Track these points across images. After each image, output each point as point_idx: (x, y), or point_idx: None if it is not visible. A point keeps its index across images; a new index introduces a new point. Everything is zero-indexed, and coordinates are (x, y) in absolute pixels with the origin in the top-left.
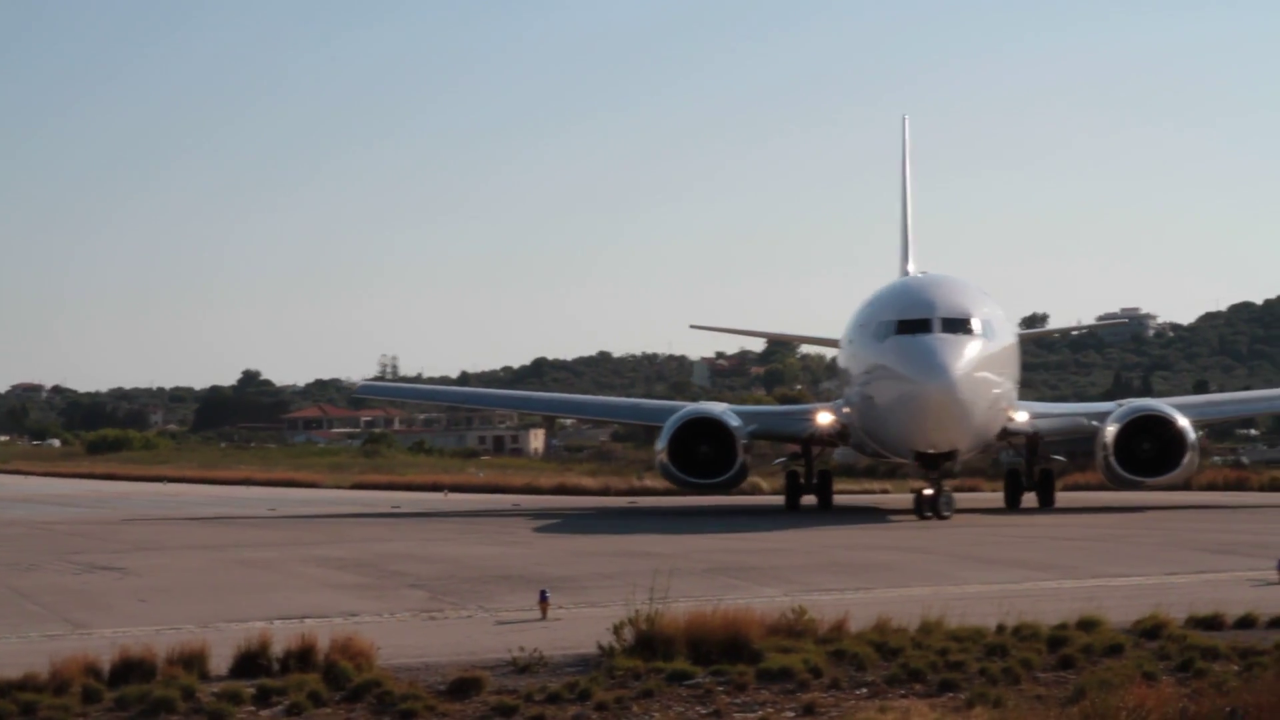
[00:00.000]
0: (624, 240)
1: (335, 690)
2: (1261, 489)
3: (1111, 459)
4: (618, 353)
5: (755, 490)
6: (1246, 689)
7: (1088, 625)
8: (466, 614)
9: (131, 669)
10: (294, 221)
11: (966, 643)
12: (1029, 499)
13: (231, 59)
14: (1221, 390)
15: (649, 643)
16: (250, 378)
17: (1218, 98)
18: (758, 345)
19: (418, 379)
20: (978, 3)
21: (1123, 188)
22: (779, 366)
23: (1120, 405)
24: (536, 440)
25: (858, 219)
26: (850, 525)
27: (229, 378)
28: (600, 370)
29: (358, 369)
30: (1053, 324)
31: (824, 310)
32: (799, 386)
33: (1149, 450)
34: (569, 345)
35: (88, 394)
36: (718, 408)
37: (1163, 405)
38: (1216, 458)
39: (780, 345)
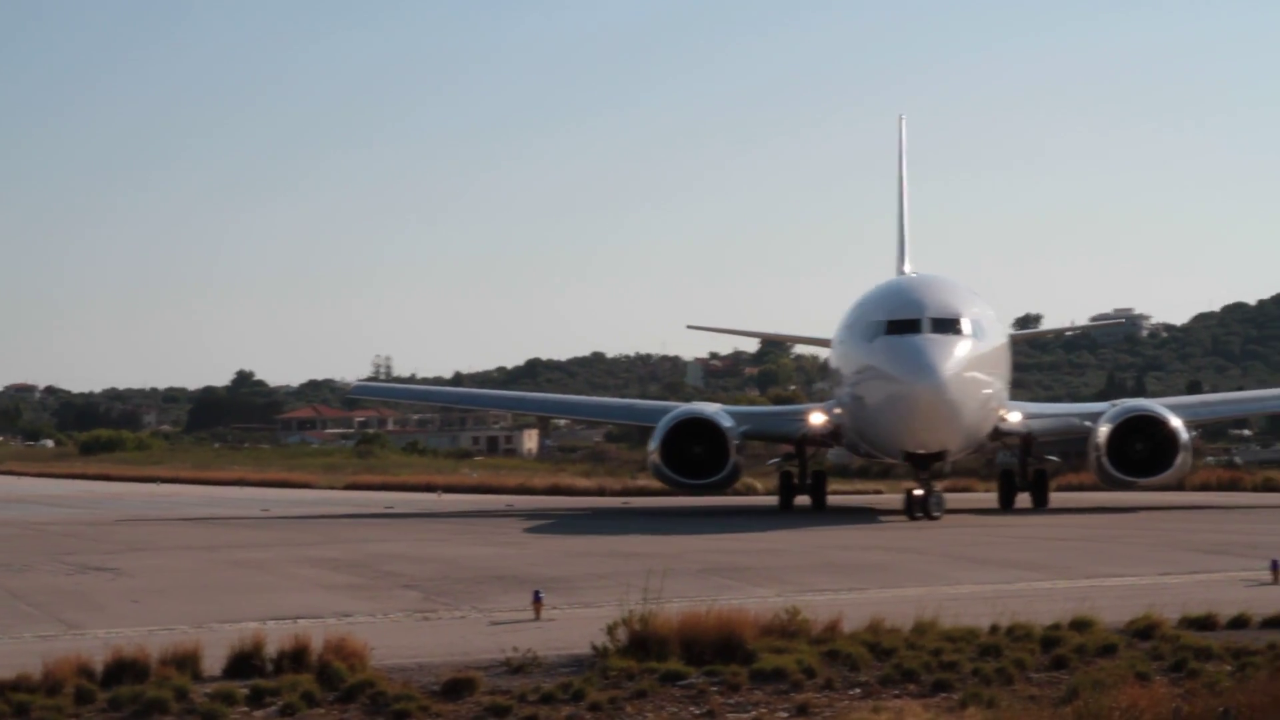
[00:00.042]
0: (618, 240)
1: (329, 691)
2: (1255, 489)
3: (1104, 459)
4: (611, 353)
5: (749, 491)
6: (1239, 689)
7: (1081, 625)
8: (460, 614)
9: (125, 669)
10: (287, 222)
11: (960, 643)
12: (1023, 499)
13: (222, 60)
14: (1215, 391)
15: (642, 643)
16: (244, 378)
17: (1211, 98)
18: (751, 346)
19: (411, 379)
20: (970, 3)
21: (1116, 188)
22: (772, 367)
23: (1113, 405)
24: (530, 441)
25: (852, 219)
26: (844, 526)
27: (222, 378)
28: (594, 371)
29: (351, 369)
30: (1047, 324)
31: (818, 310)
32: (793, 387)
33: (1142, 450)
34: (563, 346)
35: (81, 394)
36: (710, 408)
37: (1155, 405)
38: (1210, 458)
39: (774, 346)
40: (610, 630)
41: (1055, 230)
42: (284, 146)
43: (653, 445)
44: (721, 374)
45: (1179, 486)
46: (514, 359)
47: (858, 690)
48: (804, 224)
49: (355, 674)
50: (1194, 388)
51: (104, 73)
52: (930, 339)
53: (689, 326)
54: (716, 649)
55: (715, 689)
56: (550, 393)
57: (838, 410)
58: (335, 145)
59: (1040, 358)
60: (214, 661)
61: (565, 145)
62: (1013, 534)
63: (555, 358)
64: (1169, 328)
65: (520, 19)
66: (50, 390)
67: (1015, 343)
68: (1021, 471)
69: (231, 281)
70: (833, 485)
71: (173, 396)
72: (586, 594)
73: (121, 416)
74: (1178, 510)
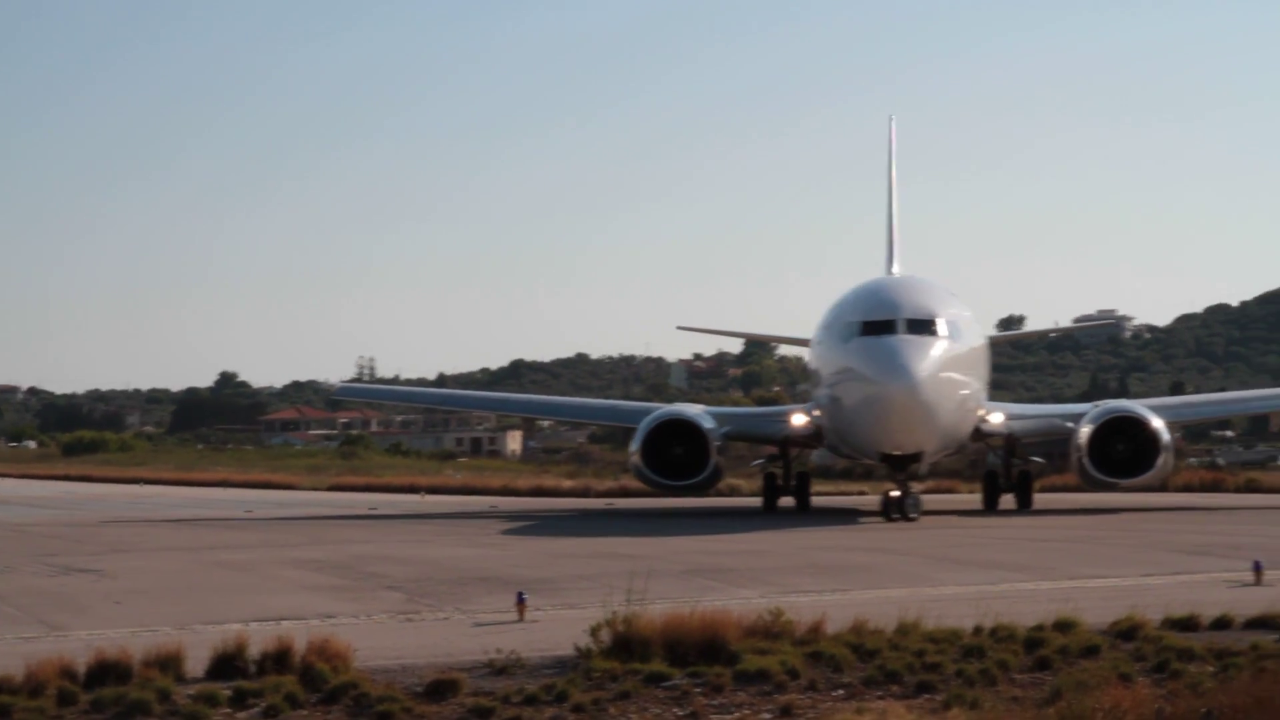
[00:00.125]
0: (602, 242)
1: (312, 692)
2: (1237, 490)
3: (1085, 460)
4: (595, 354)
5: (733, 492)
6: (1222, 690)
7: (1064, 626)
8: (444, 616)
9: (107, 671)
10: (271, 224)
11: (943, 644)
12: (1007, 500)
13: (206, 64)
14: (1198, 392)
15: (626, 644)
16: (227, 379)
17: (1195, 100)
18: (735, 347)
19: (395, 380)
20: (955, 4)
21: (1099, 190)
22: (756, 368)
23: (1095, 406)
24: (514, 442)
25: (837, 220)
26: (827, 527)
27: (206, 379)
28: (578, 372)
29: (335, 370)
30: (1030, 325)
31: (805, 312)
32: (776, 388)
33: (1123, 451)
34: (547, 347)
35: (64, 395)
36: (692, 409)
37: (1137, 406)
38: (1192, 459)
39: (758, 347)
40: (594, 631)
41: (1038, 232)
42: (267, 149)
43: (634, 446)
44: (705, 375)
45: (1161, 487)
46: (498, 360)
47: (841, 691)
48: (789, 225)
49: (338, 675)
50: (1177, 389)
51: (88, 76)
52: (905, 340)
53: (679, 328)
54: (700, 650)
55: (699, 690)
56: (534, 394)
57: (816, 412)
58: (318, 148)
59: (1023, 359)
60: (197, 663)
61: (549, 147)
62: (996, 535)
63: (539, 359)
64: (1152, 329)
65: (506, 21)
66: (33, 391)
67: (997, 344)
68: (1005, 473)
69: (215, 283)
70: (817, 486)
71: (156, 398)
72: (570, 595)
73: (104, 418)
74: (1161, 511)
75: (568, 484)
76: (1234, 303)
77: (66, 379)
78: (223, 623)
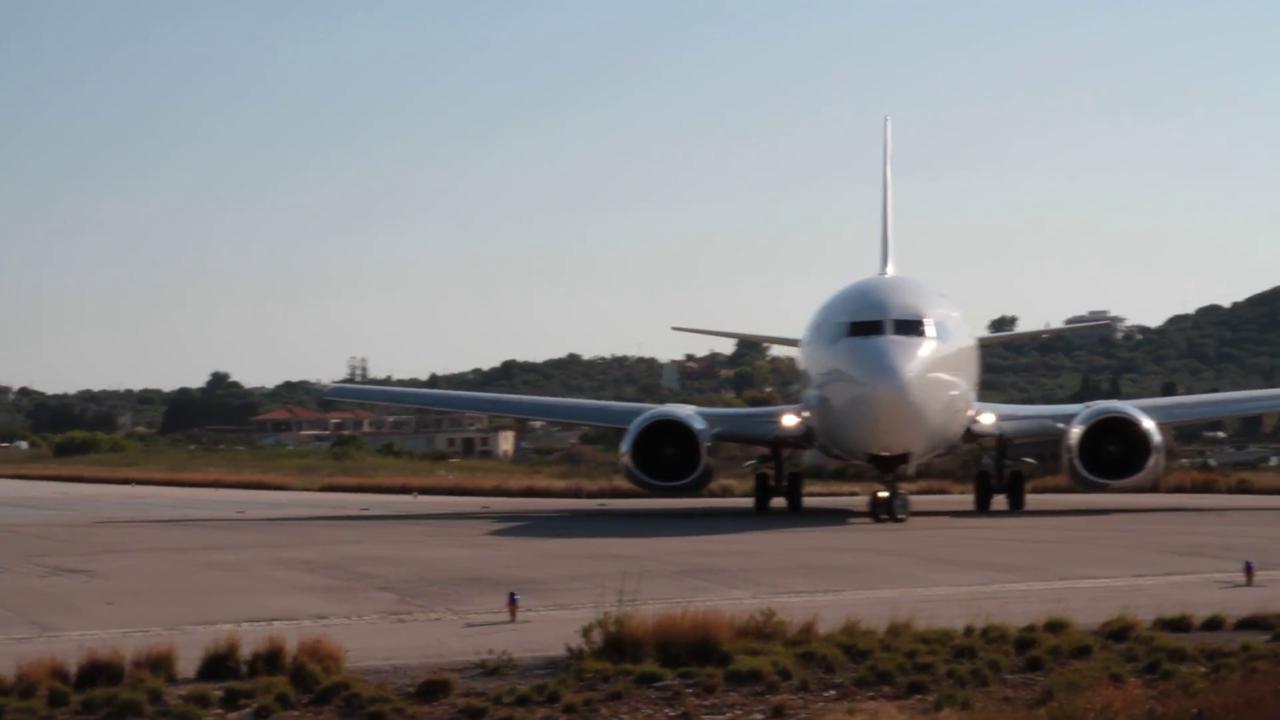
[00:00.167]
0: (595, 242)
1: (303, 693)
2: (1228, 491)
3: (1076, 461)
4: (587, 355)
5: (726, 492)
6: (1213, 690)
7: (1055, 627)
8: (435, 616)
9: (99, 672)
10: (263, 224)
11: (935, 645)
12: (999, 501)
13: (197, 64)
14: (1189, 393)
15: (618, 645)
16: (219, 380)
17: (1186, 101)
18: (727, 348)
19: (387, 381)
20: (943, 6)
21: (1091, 191)
22: (748, 369)
23: (1087, 407)
24: (506, 443)
25: (830, 220)
26: (819, 528)
27: (198, 380)
28: (570, 372)
29: (327, 371)
30: (1022, 326)
31: (798, 312)
32: (768, 389)
33: (1115, 452)
34: (539, 347)
35: (55, 396)
36: (683, 410)
37: (1128, 407)
38: (1184, 460)
39: (750, 348)
40: (585, 632)
41: (1030, 233)
42: (258, 150)
43: (624, 447)
44: (697, 376)
45: (1153, 488)
46: (490, 360)
47: (833, 692)
48: (781, 226)
49: (330, 676)
50: (1168, 390)
51: (79, 77)
52: (892, 340)
53: (674, 328)
54: (692, 651)
55: (691, 691)
56: (526, 394)
57: (806, 413)
58: (310, 148)
59: (1015, 359)
60: (188, 664)
61: (540, 148)
62: (987, 535)
63: (531, 359)
64: (1144, 330)
65: (497, 22)
66: (24, 392)
67: (988, 345)
68: (997, 473)
69: (207, 283)
70: (809, 487)
71: (148, 398)
72: (562, 596)
73: (96, 418)
74: (1152, 512)
75: (560, 484)
76: (1225, 304)
77: (58, 379)
78: (214, 623)
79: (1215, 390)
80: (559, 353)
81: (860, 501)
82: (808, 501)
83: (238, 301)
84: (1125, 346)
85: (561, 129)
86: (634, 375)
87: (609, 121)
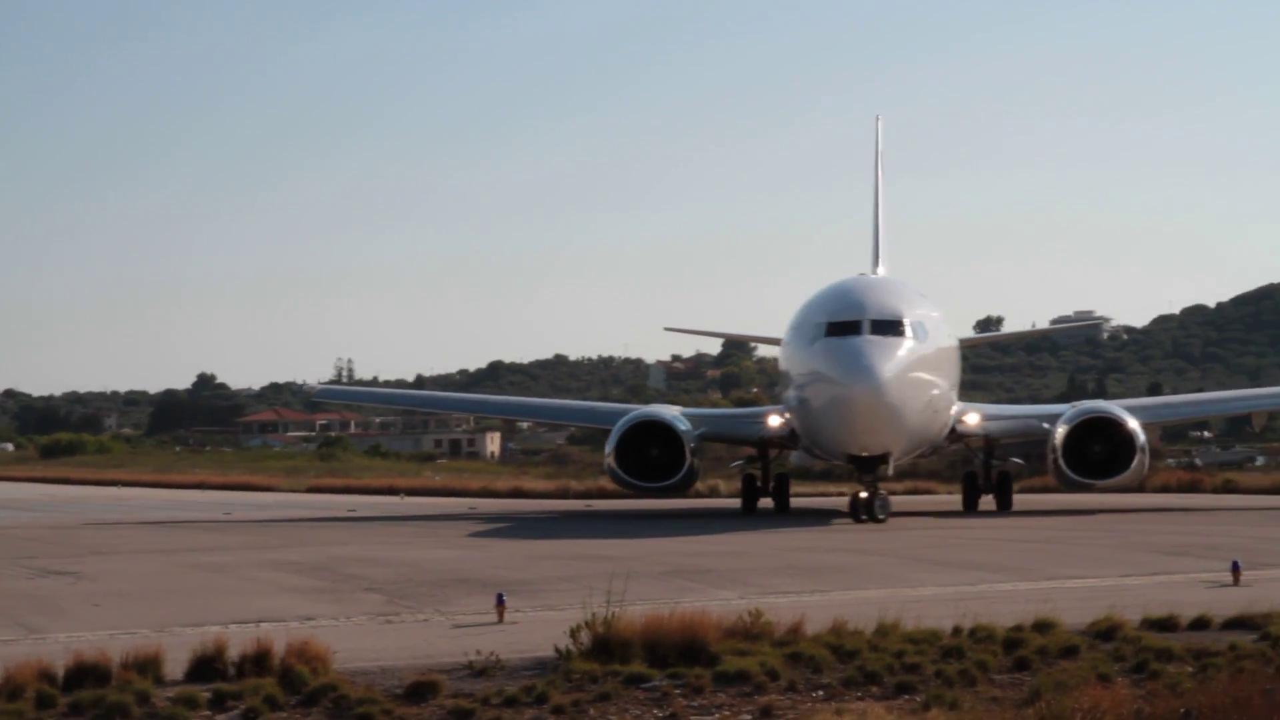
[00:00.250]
0: (581, 243)
1: (291, 694)
2: (1215, 491)
3: (1061, 461)
4: (574, 355)
5: (713, 493)
6: (1201, 690)
7: (1043, 627)
8: (423, 617)
9: (86, 674)
10: (249, 226)
11: (923, 645)
12: (987, 502)
13: (186, 66)
14: (1175, 393)
15: (606, 646)
16: (205, 381)
17: (1172, 100)
18: (714, 348)
19: (374, 382)
20: (931, 6)
21: (1076, 191)
22: (735, 369)
23: (1072, 407)
24: (493, 443)
25: (817, 221)
26: (806, 528)
27: (184, 381)
28: (556, 373)
29: (313, 372)
30: (1008, 326)
31: (787, 313)
32: (755, 389)
33: (1099, 452)
34: (525, 348)
35: (41, 398)
36: (667, 410)
37: (1112, 407)
38: (1170, 460)
39: (736, 348)
40: (573, 633)
41: (1016, 233)
42: (244, 151)
43: (609, 448)
44: (684, 376)
45: (1139, 488)
46: (476, 361)
47: (821, 692)
48: (769, 226)
49: (318, 677)
50: (1154, 390)
51: (67, 78)
52: (870, 340)
53: (666, 329)
54: (680, 651)
55: (679, 691)
56: (512, 395)
57: (786, 414)
58: (296, 150)
59: (1002, 359)
60: (176, 665)
61: (527, 148)
62: (975, 536)
63: (517, 360)
64: (1129, 330)
65: (486, 22)
66: (10, 393)
67: (973, 346)
68: (985, 474)
69: (193, 284)
70: (796, 488)
71: (134, 399)
72: (549, 597)
73: (82, 420)
74: (1139, 512)
75: (546, 485)
76: (1211, 304)
77: (44, 381)
78: (202, 625)
79: (1201, 390)
80: (546, 353)
81: (846, 502)
82: (795, 502)
83: (224, 303)
84: (1111, 346)
85: (548, 130)
86: (621, 376)
87: (596, 122)
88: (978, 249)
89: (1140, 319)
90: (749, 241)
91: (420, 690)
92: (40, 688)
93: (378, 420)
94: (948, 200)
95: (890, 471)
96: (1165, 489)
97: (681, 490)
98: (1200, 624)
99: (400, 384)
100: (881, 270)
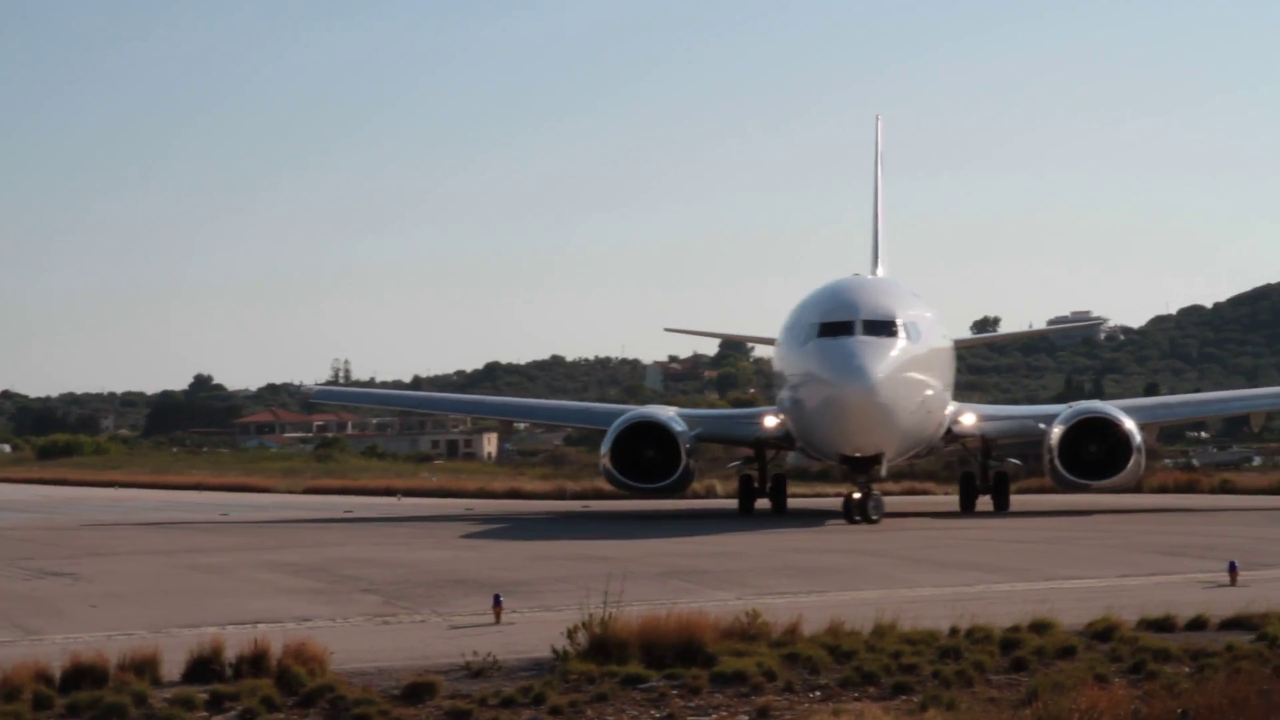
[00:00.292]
0: (578, 244)
1: (288, 695)
2: (1212, 491)
3: (1056, 461)
4: (571, 356)
5: (710, 494)
6: (1198, 691)
7: (1040, 627)
8: (420, 618)
9: (83, 675)
10: (246, 227)
11: (920, 645)
12: (984, 502)
13: (184, 66)
14: (1172, 393)
15: (603, 647)
16: (202, 382)
17: (1169, 100)
18: (711, 349)
19: (370, 383)
20: (930, 6)
21: (1073, 191)
22: (732, 370)
23: (1069, 407)
24: (490, 444)
25: (816, 221)
26: (803, 529)
27: (180, 382)
28: (553, 374)
29: (310, 373)
30: (1005, 327)
31: (783, 314)
32: (752, 390)
33: (1096, 453)
34: (522, 349)
35: (38, 399)
36: (663, 411)
37: (1108, 407)
38: (1167, 460)
39: (733, 349)
40: (570, 634)
41: (1013, 233)
42: (241, 152)
43: (604, 449)
44: (681, 377)
45: (1136, 489)
46: (473, 362)
47: (818, 693)
48: (766, 227)
49: (315, 678)
50: (1151, 390)
51: (64, 79)
52: (862, 341)
53: (666, 329)
54: (677, 652)
55: (676, 692)
56: (509, 396)
57: (781, 415)
58: (293, 151)
59: (998, 360)
60: (173, 666)
61: (524, 149)
62: (972, 536)
63: (514, 361)
64: (1126, 330)
65: (483, 24)
66: (7, 395)
67: (970, 346)
68: (982, 474)
69: (190, 285)
70: (794, 488)
71: (130, 400)
72: (546, 597)
73: (79, 421)
74: (1136, 513)
75: (543, 486)
76: (1208, 304)
77: (41, 382)
78: (199, 626)
79: (1198, 390)
80: (542, 354)
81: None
82: (792, 503)
83: (221, 304)
84: (1108, 347)
85: (545, 130)
86: (618, 377)
87: (593, 122)
88: (975, 249)
89: (1137, 319)
90: (748, 242)
91: (417, 691)
92: (37, 689)
93: (375, 421)
94: (945, 200)
95: (884, 472)
96: (1162, 489)
97: (677, 491)
98: (1197, 624)
99: (397, 385)
100: (881, 270)
